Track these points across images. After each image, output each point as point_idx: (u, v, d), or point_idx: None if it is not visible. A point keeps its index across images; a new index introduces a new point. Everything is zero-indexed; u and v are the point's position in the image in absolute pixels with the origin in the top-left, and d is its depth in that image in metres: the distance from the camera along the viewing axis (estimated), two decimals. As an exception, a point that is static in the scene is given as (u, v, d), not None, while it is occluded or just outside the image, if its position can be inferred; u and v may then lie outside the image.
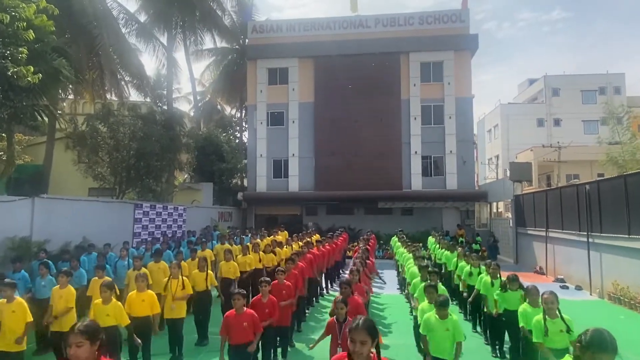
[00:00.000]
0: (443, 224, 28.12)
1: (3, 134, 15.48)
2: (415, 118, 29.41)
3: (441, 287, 7.69)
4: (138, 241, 17.27)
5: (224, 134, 34.01)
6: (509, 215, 26.42)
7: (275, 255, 13.65)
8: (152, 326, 7.37)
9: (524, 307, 6.67)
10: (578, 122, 41.45)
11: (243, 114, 37.35)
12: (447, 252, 13.47)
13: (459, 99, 29.18)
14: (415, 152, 29.13)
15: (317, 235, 19.23)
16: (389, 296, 14.18)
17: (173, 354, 8.09)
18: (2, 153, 18.00)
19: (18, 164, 19.33)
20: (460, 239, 24.82)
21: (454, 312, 7.07)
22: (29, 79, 12.45)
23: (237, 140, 36.67)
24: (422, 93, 29.54)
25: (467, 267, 10.41)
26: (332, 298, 7.85)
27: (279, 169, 30.33)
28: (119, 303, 6.78)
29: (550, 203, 19.35)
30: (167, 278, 8.75)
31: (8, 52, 12.34)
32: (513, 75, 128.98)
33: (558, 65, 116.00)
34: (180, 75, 33.97)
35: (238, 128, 39.42)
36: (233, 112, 42.39)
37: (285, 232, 20.81)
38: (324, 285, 14.49)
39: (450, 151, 28.96)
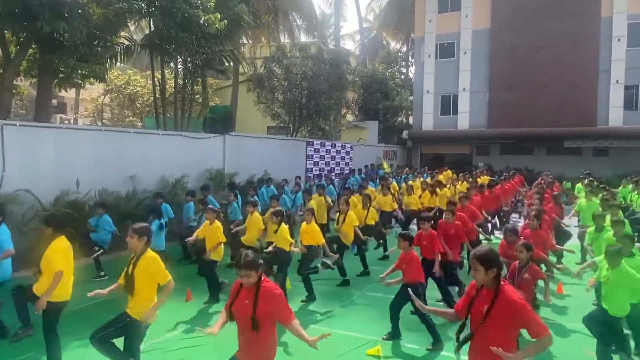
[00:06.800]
0: (649, 167, 23.46)
1: (199, 79, 17.55)
2: (619, 39, 24.33)
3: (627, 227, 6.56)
4: (310, 176, 18.39)
5: (389, 70, 33.24)
6: None
7: (436, 195, 13.02)
8: (319, 253, 8.00)
9: None
10: None
11: (409, 48, 35.77)
12: None
13: (684, 11, 23.01)
14: (617, 81, 24.37)
15: (486, 177, 17.73)
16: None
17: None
18: (199, 96, 20.55)
19: (211, 105, 21.97)
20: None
21: None
22: (217, 25, 13.66)
23: (402, 77, 35.58)
24: (630, 7, 24.11)
25: None
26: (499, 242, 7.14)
27: (447, 105, 28.61)
28: (285, 227, 7.48)
29: None
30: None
31: (199, 1, 13.59)
32: None
33: None
34: (345, 12, 34.07)
35: (404, 63, 38.13)
36: (398, 46, 41.00)
37: (449, 171, 19.91)
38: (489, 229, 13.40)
39: (666, 78, 23.46)
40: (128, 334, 4.43)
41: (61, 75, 13.42)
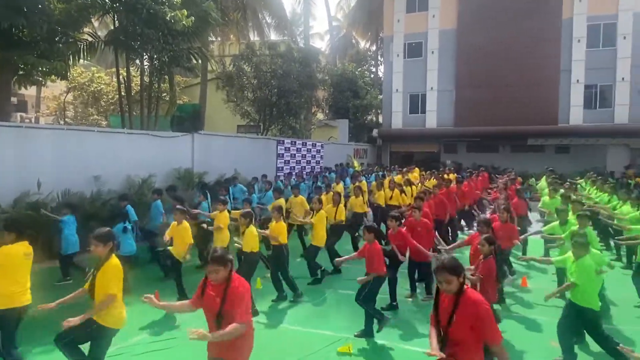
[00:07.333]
0: (607, 163, 24.49)
1: (166, 76, 17.18)
2: (579, 40, 25.25)
3: (590, 232, 7.07)
4: (280, 175, 18.33)
5: (358, 69, 33.46)
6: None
7: (405, 194, 13.25)
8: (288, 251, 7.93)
9: None
10: None
11: (379, 47, 36.16)
12: (604, 196, 11.70)
13: (638, 14, 24.07)
14: (577, 81, 25.28)
15: (453, 174, 18.14)
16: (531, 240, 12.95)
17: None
18: (166, 94, 20.13)
19: (179, 103, 21.58)
20: (630, 181, 21.33)
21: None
22: (184, 22, 13.40)
23: (371, 76, 35.86)
24: (589, 9, 25.02)
25: (637, 213, 8.98)
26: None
27: (416, 103, 29.04)
28: (253, 230, 7.22)
29: None
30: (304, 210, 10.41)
31: (165, -3, 13.30)
32: None
33: None
34: (315, 11, 34.30)
35: (373, 62, 38.46)
36: (368, 45, 41.34)
37: (417, 169, 20.27)
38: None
39: (622, 78, 24.54)
40: (94, 340, 4.31)
41: (21, 72, 12.89)
